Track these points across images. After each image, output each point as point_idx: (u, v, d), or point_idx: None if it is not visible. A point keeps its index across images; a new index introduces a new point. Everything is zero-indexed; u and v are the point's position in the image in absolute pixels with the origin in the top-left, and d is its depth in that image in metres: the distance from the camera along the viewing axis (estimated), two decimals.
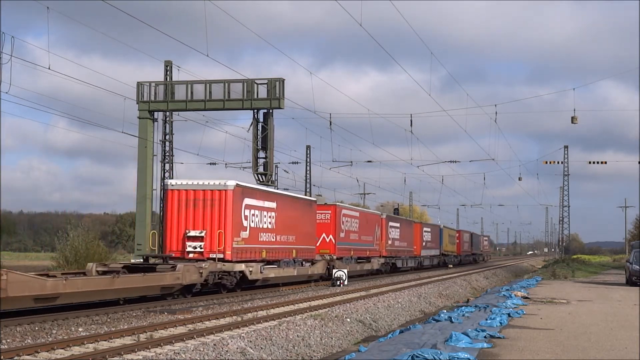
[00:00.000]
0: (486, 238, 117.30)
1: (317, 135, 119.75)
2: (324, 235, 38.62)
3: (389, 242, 50.23)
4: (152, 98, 39.27)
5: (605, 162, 66.92)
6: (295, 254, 32.73)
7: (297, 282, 34.42)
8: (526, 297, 25.08)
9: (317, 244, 37.17)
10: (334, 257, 38.47)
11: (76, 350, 13.60)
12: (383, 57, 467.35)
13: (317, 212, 37.39)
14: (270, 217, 30.31)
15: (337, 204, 40.86)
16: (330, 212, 39.46)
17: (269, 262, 30.17)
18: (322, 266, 36.67)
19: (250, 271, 27.95)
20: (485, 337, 14.13)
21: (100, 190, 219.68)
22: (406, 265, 55.91)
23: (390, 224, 51.31)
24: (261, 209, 29.42)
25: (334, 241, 38.98)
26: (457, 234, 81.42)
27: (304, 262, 34.18)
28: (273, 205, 30.64)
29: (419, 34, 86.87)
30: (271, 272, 30.13)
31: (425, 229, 63.82)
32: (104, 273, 22.79)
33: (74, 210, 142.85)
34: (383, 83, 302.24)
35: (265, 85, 38.18)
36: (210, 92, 38.58)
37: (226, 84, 38.60)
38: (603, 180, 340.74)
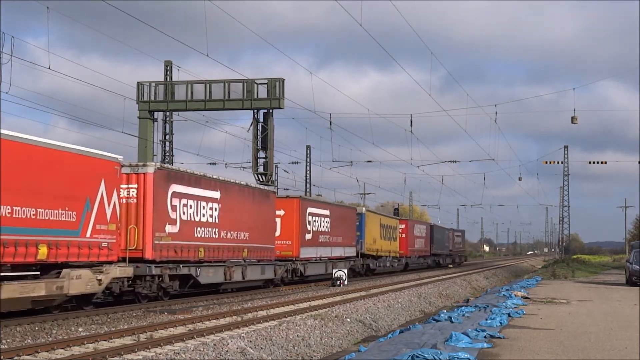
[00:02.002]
0: (459, 234, 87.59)
1: (317, 135, 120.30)
2: None
3: (175, 228, 23.86)
4: (152, 98, 39.34)
5: (605, 162, 67.15)
6: None
7: None
8: (526, 297, 25.06)
9: None
10: None
11: (76, 350, 13.59)
12: (383, 57, 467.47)
13: None
14: None
15: None
16: None
17: None
18: None
19: None
20: (485, 337, 14.12)
21: None
22: (243, 277, 28.43)
23: (179, 189, 24.23)
24: None
25: None
26: (403, 225, 58.08)
27: None
28: None
29: (419, 34, 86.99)
30: None
31: (313, 210, 36.61)
32: None
33: None
34: (383, 83, 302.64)
35: (265, 85, 38.25)
36: (210, 92, 38.63)
37: (226, 84, 38.66)
38: (603, 180, 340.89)
